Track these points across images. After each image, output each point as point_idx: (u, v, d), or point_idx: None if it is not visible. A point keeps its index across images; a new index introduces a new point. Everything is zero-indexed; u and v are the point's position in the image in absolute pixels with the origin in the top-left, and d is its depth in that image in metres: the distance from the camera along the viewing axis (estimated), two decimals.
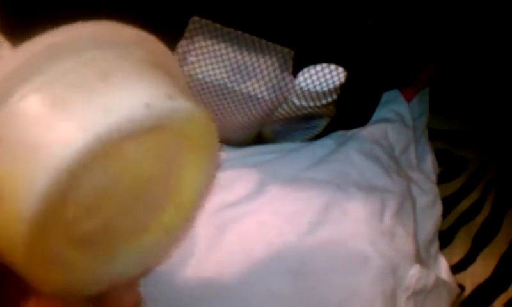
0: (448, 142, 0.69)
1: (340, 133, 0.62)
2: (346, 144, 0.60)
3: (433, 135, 0.67)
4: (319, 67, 0.48)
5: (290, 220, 0.54)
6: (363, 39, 0.51)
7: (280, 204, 0.55)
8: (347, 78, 0.51)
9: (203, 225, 0.52)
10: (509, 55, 0.66)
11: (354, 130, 0.62)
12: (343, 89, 0.52)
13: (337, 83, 0.49)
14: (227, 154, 0.57)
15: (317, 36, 0.49)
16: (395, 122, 0.63)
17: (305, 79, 0.49)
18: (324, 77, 0.49)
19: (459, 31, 0.60)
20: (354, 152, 0.59)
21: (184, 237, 0.28)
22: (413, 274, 0.53)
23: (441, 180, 0.65)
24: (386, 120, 0.63)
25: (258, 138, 0.60)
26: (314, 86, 0.49)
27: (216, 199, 0.55)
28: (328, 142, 0.61)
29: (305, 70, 0.48)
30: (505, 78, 0.69)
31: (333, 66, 0.48)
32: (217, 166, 0.27)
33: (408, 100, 0.66)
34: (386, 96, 0.65)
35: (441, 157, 0.66)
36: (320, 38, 0.49)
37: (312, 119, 0.58)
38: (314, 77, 0.48)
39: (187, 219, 0.28)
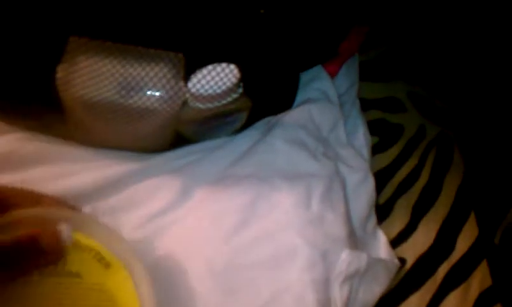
0: (383, 110, 0.67)
1: (265, 121, 0.61)
2: (269, 133, 0.59)
3: (367, 105, 0.65)
4: (205, 70, 0.46)
5: (216, 223, 0.53)
6: (257, 31, 0.49)
7: (205, 207, 0.54)
8: (248, 71, 0.48)
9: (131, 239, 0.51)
10: (440, 11, 0.64)
11: (278, 116, 0.60)
12: (246, 82, 0.50)
13: (230, 83, 0.47)
14: (146, 162, 0.56)
15: (206, 35, 0.47)
16: (320, 101, 0.61)
17: (194, 85, 0.47)
18: (213, 79, 0.47)
19: None
20: (277, 140, 0.58)
21: None
22: (344, 258, 0.52)
23: (378, 150, 0.63)
24: (309, 100, 0.61)
25: (180, 139, 0.58)
26: (206, 90, 0.47)
27: (139, 212, 0.54)
28: (252, 133, 0.60)
29: (193, 75, 0.47)
30: (440, 35, 0.67)
31: (220, 67, 0.46)
32: None
33: (334, 73, 0.64)
34: (308, 74, 0.63)
35: (376, 127, 0.64)
36: (209, 36, 0.47)
37: (228, 115, 0.56)
38: (203, 81, 0.47)
39: None
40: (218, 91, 0.47)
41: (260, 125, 0.60)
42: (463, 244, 0.58)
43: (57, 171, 0.54)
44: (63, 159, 0.55)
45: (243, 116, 0.58)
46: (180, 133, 0.57)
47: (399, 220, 0.60)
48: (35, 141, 0.55)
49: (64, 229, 0.36)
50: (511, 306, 0.56)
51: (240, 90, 0.50)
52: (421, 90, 0.68)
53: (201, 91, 0.47)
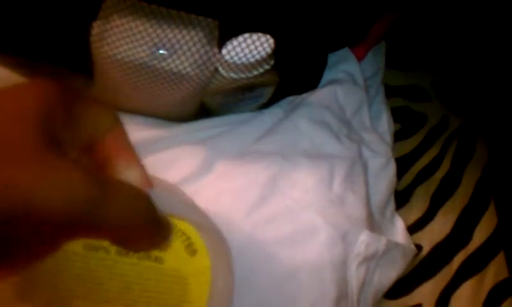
0: (406, 98, 0.67)
1: (290, 99, 0.61)
2: (294, 112, 0.58)
3: (391, 92, 0.65)
4: (241, 38, 0.46)
5: (237, 197, 0.53)
6: (294, 5, 0.48)
7: (227, 181, 0.54)
8: (280, 45, 0.48)
9: None
10: (467, 6, 0.64)
11: (303, 96, 0.60)
12: (278, 56, 0.50)
13: (264, 53, 0.47)
14: (171, 130, 0.56)
15: (242, 4, 0.47)
16: (346, 83, 0.61)
17: (229, 52, 0.46)
18: (249, 48, 0.46)
19: None
20: (302, 120, 0.58)
21: None
22: (363, 239, 0.52)
23: (400, 137, 0.63)
24: (336, 82, 0.61)
25: (204, 111, 0.58)
26: (239, 58, 0.47)
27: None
28: (276, 111, 0.60)
29: (228, 42, 0.46)
30: (465, 28, 0.67)
31: (256, 36, 0.46)
32: None
33: (360, 57, 0.64)
34: (336, 56, 0.63)
35: (399, 114, 0.64)
36: (246, 5, 0.47)
37: (255, 89, 0.56)
38: (238, 49, 0.46)
39: None
40: (252, 59, 0.47)
41: (284, 103, 0.60)
42: (480, 235, 0.58)
43: None
44: None
45: (269, 92, 0.58)
46: (205, 104, 0.57)
47: (417, 207, 0.60)
48: None
49: None
50: None
51: (272, 62, 0.50)
52: (445, 80, 0.68)
53: (235, 58, 0.46)
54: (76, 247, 0.32)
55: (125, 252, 0.33)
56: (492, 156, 0.62)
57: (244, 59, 0.47)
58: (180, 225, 0.34)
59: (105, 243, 0.32)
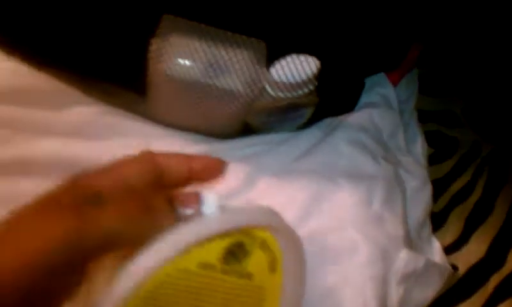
0: (439, 123, 0.68)
1: (328, 121, 0.62)
2: (333, 133, 0.60)
3: (424, 117, 0.67)
4: (289, 58, 0.48)
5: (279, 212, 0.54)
6: (338, 29, 0.50)
7: (269, 197, 0.55)
8: (323, 67, 0.50)
9: None
10: (498, 31, 0.66)
11: (341, 118, 0.62)
12: (321, 78, 0.51)
13: (310, 73, 0.49)
14: (215, 146, 0.58)
15: (289, 26, 0.49)
16: (381, 106, 0.63)
17: (277, 71, 0.48)
18: (296, 68, 0.48)
19: (443, 8, 0.60)
20: (341, 141, 0.59)
21: None
22: (402, 257, 0.53)
23: (433, 161, 0.64)
24: (372, 104, 0.63)
25: (246, 129, 0.60)
26: (287, 77, 0.49)
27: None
28: (315, 132, 0.61)
29: (277, 62, 0.48)
30: (496, 56, 0.69)
31: (303, 57, 0.48)
32: None
33: (395, 83, 0.66)
34: (371, 80, 0.65)
35: (432, 138, 0.66)
36: (292, 28, 0.49)
37: (296, 109, 0.58)
38: (286, 69, 0.48)
39: None
40: (297, 79, 0.49)
41: (323, 124, 0.62)
42: None
43: (130, 143, 0.56)
44: (136, 134, 0.57)
45: (308, 112, 0.59)
46: (248, 123, 0.59)
47: (452, 230, 0.61)
48: (113, 114, 0.57)
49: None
50: None
51: (316, 83, 0.52)
52: (475, 106, 0.69)
53: (282, 77, 0.48)
54: (190, 264, 0.33)
55: (229, 270, 0.35)
56: None
57: (290, 78, 0.49)
58: (265, 236, 0.36)
59: (215, 261, 0.34)
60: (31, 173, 0.54)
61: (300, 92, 0.51)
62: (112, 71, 0.52)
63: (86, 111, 0.57)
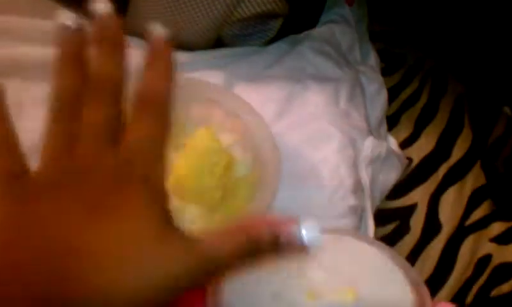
0: (386, 43, 0.76)
1: (292, 37, 0.68)
2: (299, 44, 0.66)
3: (373, 37, 0.74)
4: None
5: (258, 110, 0.59)
6: None
7: (246, 98, 0.60)
8: None
9: None
10: None
11: (305, 32, 0.68)
12: None
13: None
14: (190, 57, 0.62)
15: None
16: (340, 23, 0.70)
17: None
18: None
19: None
20: (307, 50, 0.66)
21: None
22: (368, 144, 0.60)
23: (383, 74, 0.72)
24: (332, 21, 0.69)
25: (217, 43, 0.65)
26: None
27: None
28: (282, 45, 0.67)
29: None
30: None
31: None
32: None
33: (350, 4, 0.73)
34: (330, 1, 0.71)
35: (381, 55, 0.73)
36: None
37: (266, 21, 0.63)
38: None
39: None
40: None
41: (288, 39, 0.68)
42: (458, 151, 0.68)
43: None
44: None
45: (276, 26, 0.65)
46: (220, 36, 0.64)
47: (404, 129, 0.69)
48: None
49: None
50: (499, 201, 0.66)
51: None
52: (418, 26, 0.78)
53: None
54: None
55: None
56: (465, 88, 0.73)
57: None
58: None
59: None
60: (10, 75, 0.56)
61: None
62: None
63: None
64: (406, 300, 0.44)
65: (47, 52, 0.58)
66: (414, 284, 0.45)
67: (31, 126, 0.52)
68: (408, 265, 0.46)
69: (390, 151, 0.62)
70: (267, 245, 0.29)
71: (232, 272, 0.31)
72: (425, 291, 0.44)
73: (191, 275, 0.28)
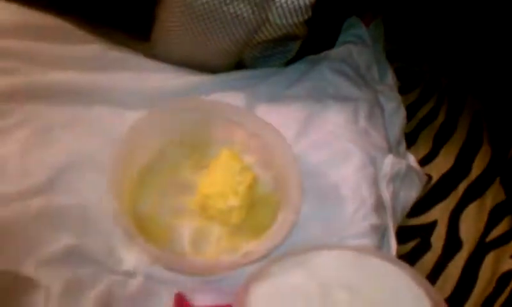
0: (403, 61, 0.77)
1: (310, 57, 0.69)
2: (318, 64, 0.67)
3: (390, 56, 0.75)
4: None
5: (279, 130, 0.60)
6: None
7: (267, 118, 0.61)
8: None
9: None
10: None
11: (323, 54, 0.69)
12: (314, 11, 0.58)
13: (310, 1, 0.56)
14: (212, 79, 0.63)
15: None
16: (358, 44, 0.71)
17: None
18: None
19: None
20: (326, 70, 0.67)
21: None
22: (388, 162, 0.60)
23: (401, 92, 0.73)
24: (349, 42, 0.71)
25: (238, 65, 0.66)
26: (292, 2, 0.55)
27: None
28: (300, 66, 0.68)
29: None
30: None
31: None
32: None
33: (366, 25, 0.74)
34: (347, 22, 0.72)
35: (398, 74, 0.74)
36: None
37: (286, 43, 0.64)
38: None
39: None
40: (298, 5, 0.55)
41: (307, 60, 0.69)
42: (477, 167, 0.68)
43: (138, 76, 0.61)
44: (143, 68, 0.62)
45: (295, 47, 0.66)
46: (241, 58, 0.65)
47: (423, 147, 0.70)
48: (117, 50, 0.62)
49: None
50: None
51: (310, 14, 0.58)
52: (434, 45, 0.79)
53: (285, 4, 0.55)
54: None
55: None
56: (484, 104, 0.73)
57: (291, 5, 0.56)
58: None
59: None
60: (41, 98, 0.58)
61: (300, 18, 0.58)
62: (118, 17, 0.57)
63: (92, 47, 0.62)
64: None
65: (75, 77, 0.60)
66: (436, 306, 0.45)
67: (60, 147, 0.54)
68: (429, 285, 0.47)
69: (409, 169, 0.62)
70: None
71: None
72: None
73: None
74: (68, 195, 0.51)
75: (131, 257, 0.50)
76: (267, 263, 0.49)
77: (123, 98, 0.59)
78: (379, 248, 0.56)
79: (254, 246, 0.51)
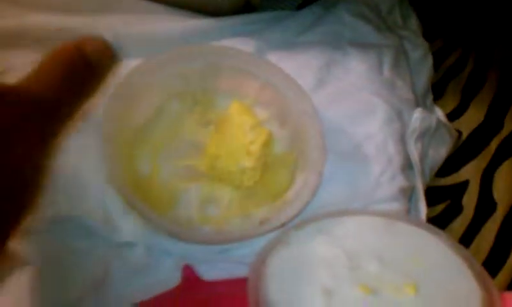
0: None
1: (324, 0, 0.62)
2: (335, 6, 0.60)
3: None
4: None
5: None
6: None
7: (282, 66, 0.54)
8: None
9: None
10: None
11: None
12: None
13: None
14: (216, 23, 0.56)
15: None
16: None
17: None
18: None
19: None
20: (344, 13, 0.59)
21: None
22: (417, 116, 0.54)
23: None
24: None
25: (245, 8, 0.59)
26: None
27: None
28: (315, 9, 0.61)
29: None
30: None
31: None
32: None
33: None
34: None
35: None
36: None
37: None
38: None
39: None
40: None
41: (322, 2, 0.62)
42: (510, 122, 0.62)
43: (130, 19, 0.54)
44: (136, 10, 0.55)
45: None
46: (248, 0, 0.58)
47: (451, 100, 0.63)
48: None
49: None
50: None
51: None
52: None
53: None
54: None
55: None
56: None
57: None
58: None
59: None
60: (20, 46, 0.50)
61: None
62: None
63: None
64: (474, 297, 0.39)
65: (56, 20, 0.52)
66: (480, 279, 0.39)
67: None
68: (469, 254, 0.41)
69: (439, 124, 0.55)
70: (80, 64, 0.30)
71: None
72: (493, 286, 0.39)
73: None
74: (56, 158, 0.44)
75: (129, 226, 0.43)
76: (284, 230, 0.43)
77: (113, 45, 0.51)
78: (408, 212, 0.50)
79: (269, 212, 0.45)
